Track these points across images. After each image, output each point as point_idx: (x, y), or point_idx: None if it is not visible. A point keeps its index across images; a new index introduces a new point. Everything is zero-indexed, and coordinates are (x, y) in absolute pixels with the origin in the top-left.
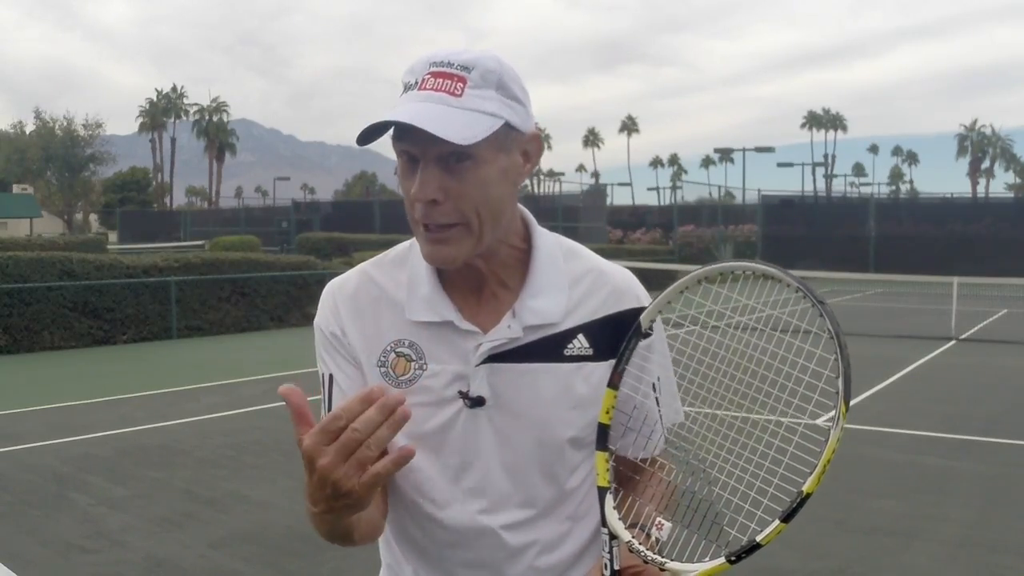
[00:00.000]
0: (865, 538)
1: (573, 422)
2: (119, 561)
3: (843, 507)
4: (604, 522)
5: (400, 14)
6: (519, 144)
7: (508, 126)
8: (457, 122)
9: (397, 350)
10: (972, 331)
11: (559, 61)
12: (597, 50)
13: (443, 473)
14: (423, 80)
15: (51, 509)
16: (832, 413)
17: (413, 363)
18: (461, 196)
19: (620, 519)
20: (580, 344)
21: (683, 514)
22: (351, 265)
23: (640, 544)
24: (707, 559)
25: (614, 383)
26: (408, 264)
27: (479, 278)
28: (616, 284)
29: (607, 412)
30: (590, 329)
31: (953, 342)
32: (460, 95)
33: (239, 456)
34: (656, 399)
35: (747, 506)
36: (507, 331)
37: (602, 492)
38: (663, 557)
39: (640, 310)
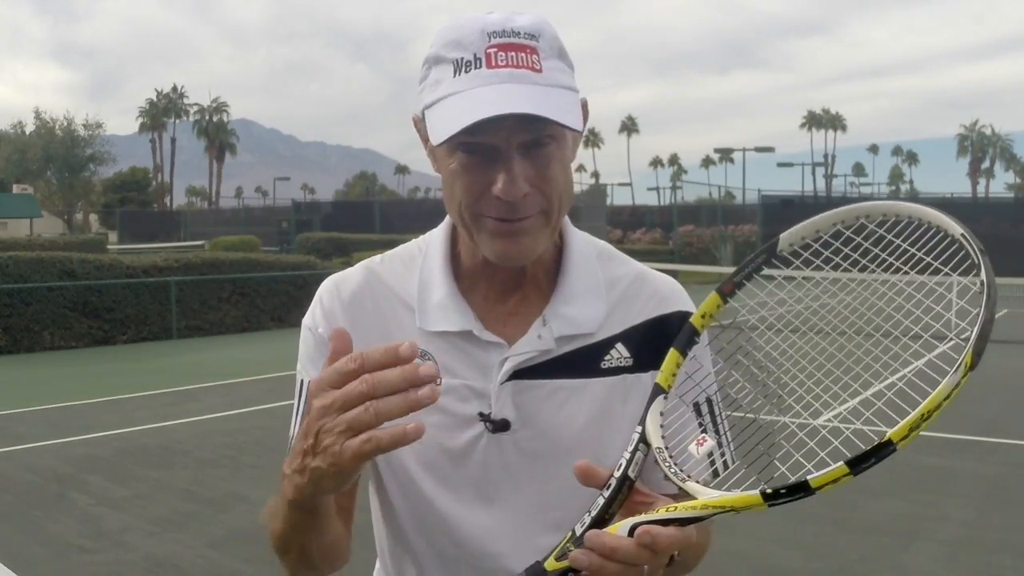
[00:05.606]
0: (865, 538)
1: (612, 446)
2: (119, 561)
3: (843, 507)
4: (642, 420)
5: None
6: None
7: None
8: (556, 102)
9: None
10: (972, 331)
11: None
12: (598, 50)
13: (455, 509)
14: (488, 56)
15: (51, 509)
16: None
17: None
18: (547, 182)
19: (661, 427)
20: (619, 354)
21: (733, 436)
22: (351, 265)
23: (669, 458)
24: (737, 490)
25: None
26: (419, 264)
27: (514, 280)
28: (658, 288)
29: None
30: (629, 337)
31: (952, 342)
32: (540, 70)
33: (239, 456)
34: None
35: (812, 443)
36: (537, 342)
37: (657, 390)
38: (684, 474)
39: (689, 315)
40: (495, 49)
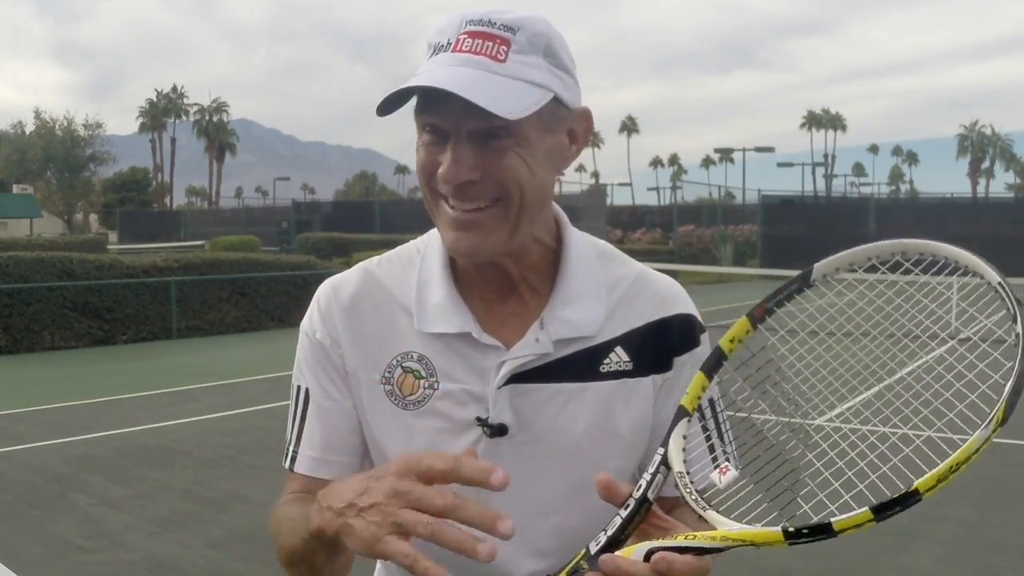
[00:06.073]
0: (865, 538)
1: (613, 451)
2: (119, 561)
3: None
4: (665, 442)
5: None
6: (566, 123)
7: (556, 101)
8: (501, 92)
9: (404, 364)
10: (972, 331)
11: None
12: (598, 50)
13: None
14: (458, 41)
15: (51, 509)
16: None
17: (422, 381)
18: (501, 171)
19: (683, 451)
20: (618, 358)
21: (757, 469)
22: (351, 265)
23: (691, 483)
24: (759, 524)
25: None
26: (418, 266)
27: (506, 282)
28: (659, 289)
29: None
30: (630, 340)
31: (952, 342)
32: (504, 60)
33: (239, 456)
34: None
35: (837, 484)
36: (535, 346)
37: (681, 413)
38: (705, 502)
39: (690, 317)
40: (465, 35)
